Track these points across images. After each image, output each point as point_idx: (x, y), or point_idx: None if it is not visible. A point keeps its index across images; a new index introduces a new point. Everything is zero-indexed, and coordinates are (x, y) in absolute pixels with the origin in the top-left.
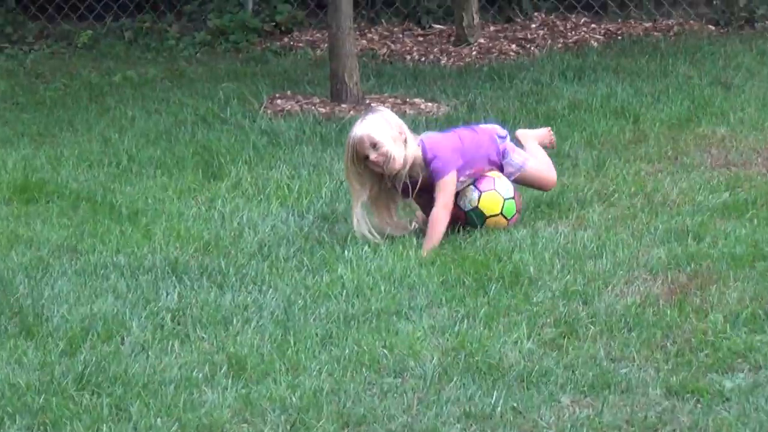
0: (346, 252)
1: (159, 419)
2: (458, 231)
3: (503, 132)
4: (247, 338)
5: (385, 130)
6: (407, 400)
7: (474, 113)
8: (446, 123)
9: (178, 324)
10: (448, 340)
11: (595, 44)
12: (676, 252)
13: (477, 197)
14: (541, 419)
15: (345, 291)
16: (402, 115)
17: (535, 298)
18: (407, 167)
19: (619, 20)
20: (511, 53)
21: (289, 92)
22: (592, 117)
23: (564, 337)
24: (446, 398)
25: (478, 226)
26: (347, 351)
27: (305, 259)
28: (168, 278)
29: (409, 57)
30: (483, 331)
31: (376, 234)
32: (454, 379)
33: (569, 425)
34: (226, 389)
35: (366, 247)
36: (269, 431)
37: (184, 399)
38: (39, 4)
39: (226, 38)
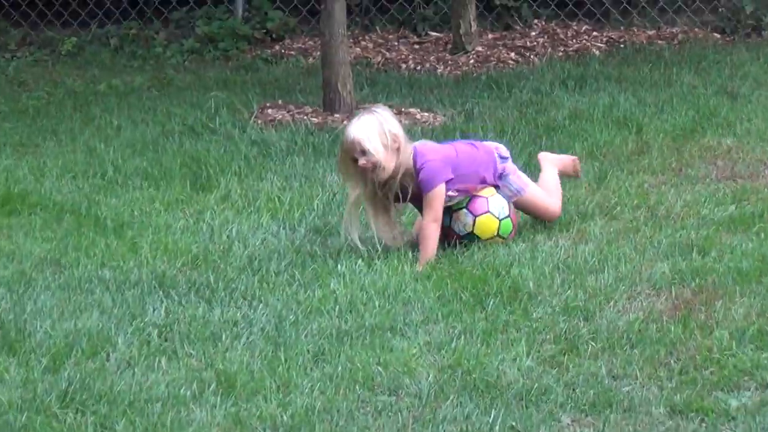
0: (339, 266)
1: None
2: (455, 245)
3: (506, 153)
4: (237, 355)
5: (377, 137)
6: (402, 419)
7: (471, 123)
8: (443, 133)
9: (166, 340)
10: (444, 357)
11: (597, 53)
12: (680, 267)
13: (471, 222)
14: None
15: (338, 306)
16: None
17: (534, 314)
18: (399, 176)
19: (622, 28)
20: (510, 62)
21: (280, 101)
22: (594, 127)
23: (564, 354)
24: (442, 417)
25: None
26: (340, 368)
27: (297, 273)
28: (155, 293)
29: (404, 65)
30: (480, 348)
31: (358, 242)
32: (451, 397)
33: None
34: (215, 407)
35: (359, 261)
36: None
37: (172, 418)
38: (21, 11)
39: (215, 46)
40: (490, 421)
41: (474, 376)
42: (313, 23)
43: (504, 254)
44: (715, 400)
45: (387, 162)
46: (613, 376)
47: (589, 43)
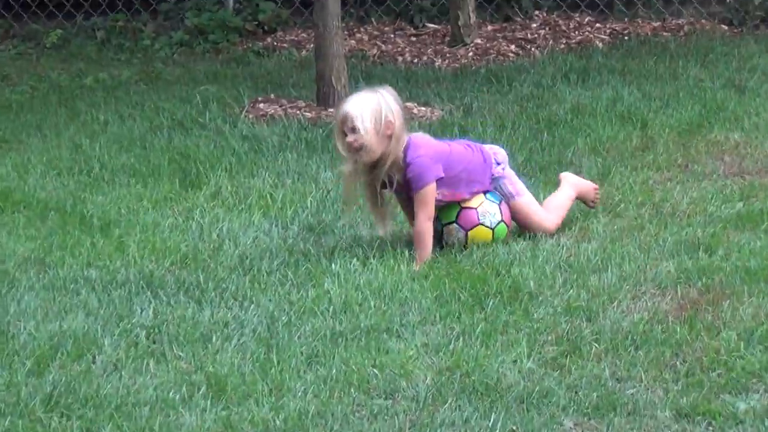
0: (333, 265)
1: None
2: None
3: (502, 158)
4: (228, 357)
5: (371, 118)
6: (398, 422)
7: (470, 118)
8: (440, 128)
9: (154, 342)
10: (442, 359)
11: (600, 45)
12: (686, 265)
13: (464, 236)
14: None
15: (332, 307)
16: None
17: (535, 315)
18: (386, 165)
19: (626, 19)
20: (510, 54)
21: (272, 95)
22: (597, 122)
23: (566, 355)
24: (440, 421)
25: None
26: (334, 371)
27: (289, 272)
28: (143, 293)
29: (401, 58)
30: (480, 350)
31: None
32: (449, 400)
33: None
34: (205, 411)
35: (354, 260)
36: None
37: (160, 422)
38: (4, 2)
39: (205, 38)
40: (490, 425)
41: (473, 378)
42: (306, 15)
43: (504, 253)
44: (722, 403)
45: (374, 145)
46: (617, 379)
47: (591, 35)
